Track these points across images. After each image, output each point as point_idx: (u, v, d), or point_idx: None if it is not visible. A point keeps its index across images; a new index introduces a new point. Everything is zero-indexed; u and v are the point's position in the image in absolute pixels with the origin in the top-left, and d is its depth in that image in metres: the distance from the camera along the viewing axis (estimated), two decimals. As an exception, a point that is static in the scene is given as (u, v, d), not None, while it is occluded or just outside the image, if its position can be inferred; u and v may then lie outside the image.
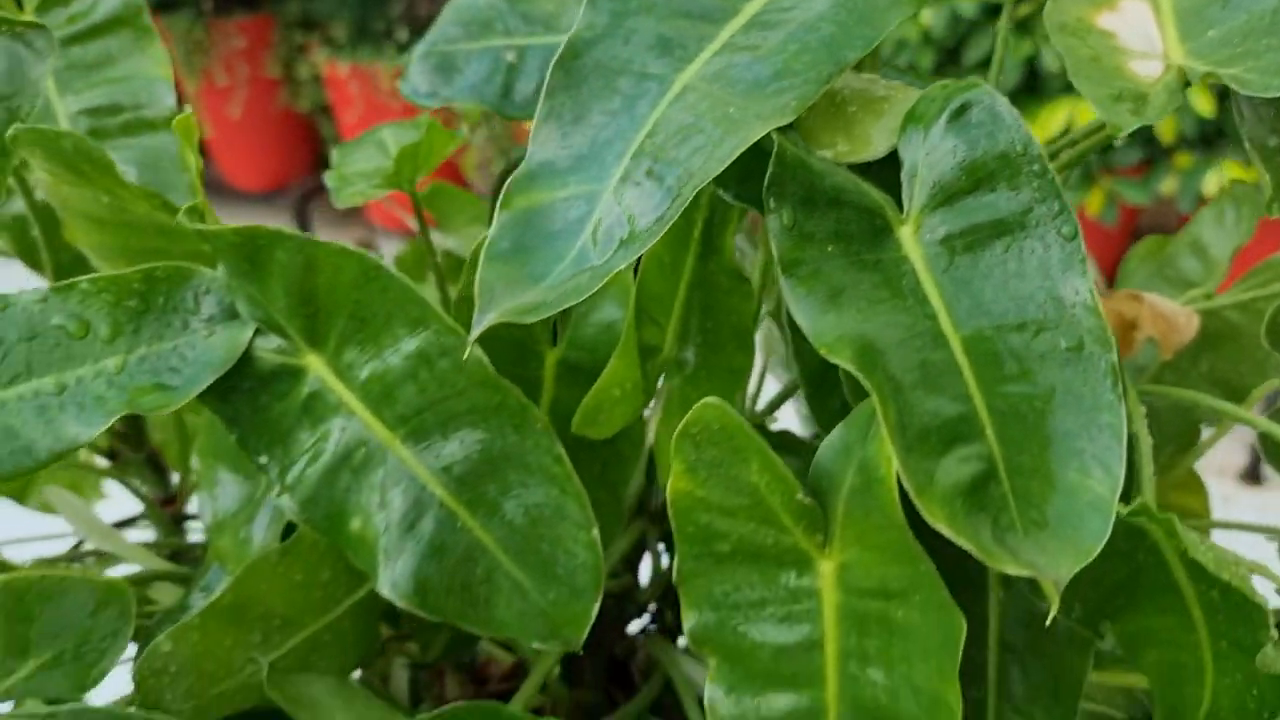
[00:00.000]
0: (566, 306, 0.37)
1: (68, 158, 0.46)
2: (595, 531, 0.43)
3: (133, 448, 0.71)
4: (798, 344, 0.46)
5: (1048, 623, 0.38)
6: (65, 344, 0.43)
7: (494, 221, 0.40)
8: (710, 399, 0.38)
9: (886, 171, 0.42)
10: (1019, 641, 0.45)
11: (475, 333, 0.37)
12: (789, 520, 0.40)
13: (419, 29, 2.20)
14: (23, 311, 0.43)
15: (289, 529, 0.50)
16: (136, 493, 0.68)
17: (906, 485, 0.35)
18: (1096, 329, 0.38)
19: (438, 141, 0.56)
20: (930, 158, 0.40)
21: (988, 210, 0.39)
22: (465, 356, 0.41)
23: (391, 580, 0.43)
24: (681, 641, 0.71)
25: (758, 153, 0.38)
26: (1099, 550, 0.35)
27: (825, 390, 0.46)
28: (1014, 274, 0.39)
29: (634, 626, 0.68)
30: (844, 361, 0.36)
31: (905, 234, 0.40)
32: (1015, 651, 0.45)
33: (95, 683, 0.35)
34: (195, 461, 0.54)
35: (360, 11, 2.24)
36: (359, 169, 0.60)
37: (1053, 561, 0.35)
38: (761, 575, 0.41)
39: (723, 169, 0.37)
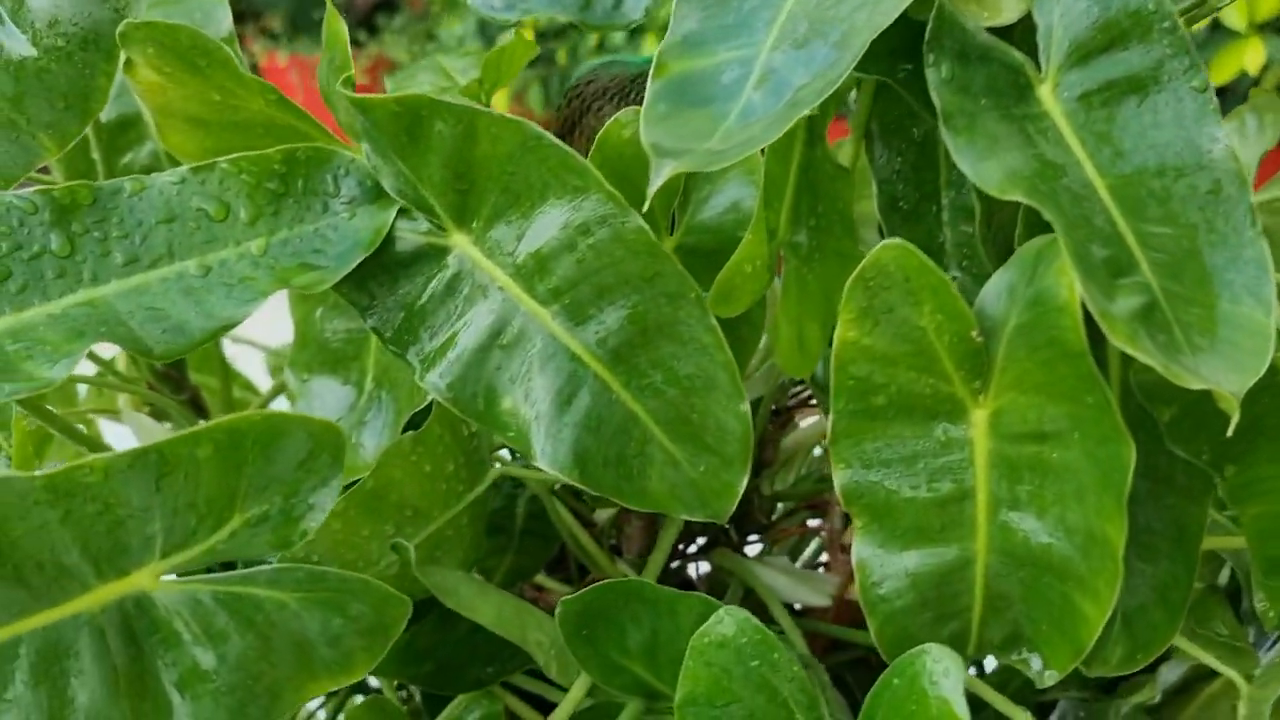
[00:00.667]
0: (743, 155, 0.38)
1: (182, 51, 0.46)
2: (745, 404, 0.44)
3: (174, 389, 0.69)
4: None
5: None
6: (206, 226, 0.42)
7: (648, 91, 0.40)
8: (892, 240, 0.39)
9: (1018, 36, 0.44)
10: (1142, 492, 0.47)
11: (653, 187, 0.38)
12: (950, 366, 0.41)
13: (358, 20, 2.18)
14: (160, 194, 0.42)
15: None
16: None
17: (1091, 307, 0.36)
18: (1233, 173, 0.40)
19: (519, 50, 0.56)
20: (1065, 19, 0.42)
21: (1122, 66, 0.41)
22: (627, 224, 0.42)
23: (550, 455, 0.43)
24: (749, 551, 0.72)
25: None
26: (1264, 369, 0.38)
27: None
28: (1150, 125, 0.41)
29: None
30: (1019, 196, 0.38)
31: (1045, 92, 0.42)
32: (1138, 502, 0.47)
33: (299, 540, 0.35)
34: (288, 375, 0.53)
35: (297, 2, 2.21)
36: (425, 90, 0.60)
37: (1226, 379, 0.37)
38: (914, 429, 0.43)
39: (890, 22, 0.39)
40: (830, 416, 0.43)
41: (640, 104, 0.59)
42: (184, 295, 0.41)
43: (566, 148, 0.42)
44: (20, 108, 0.47)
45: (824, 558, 0.81)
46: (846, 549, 0.67)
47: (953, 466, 0.43)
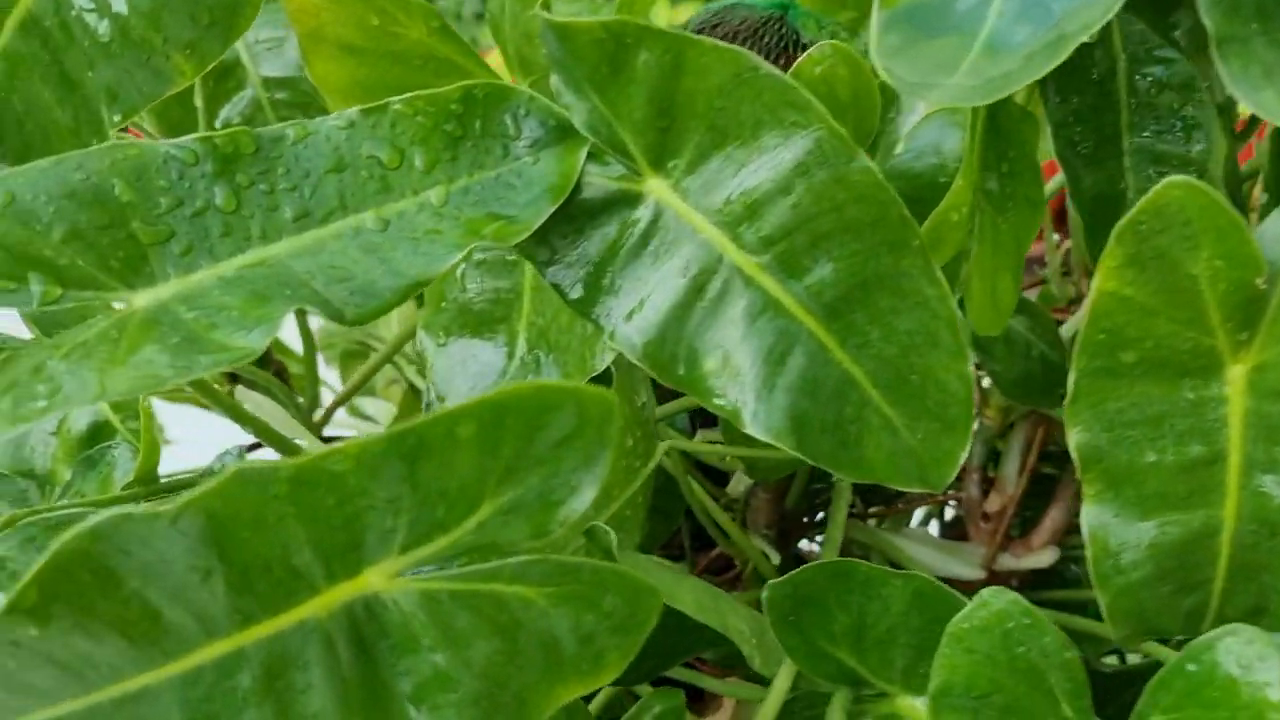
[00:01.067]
0: (1004, 92, 0.34)
1: None
2: (969, 364, 0.40)
3: (259, 362, 0.65)
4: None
5: None
6: (379, 175, 0.38)
7: (875, 22, 0.36)
8: (1176, 178, 0.35)
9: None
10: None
11: (909, 123, 0.34)
12: (1217, 317, 0.37)
13: None
14: (327, 140, 0.38)
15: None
16: (284, 405, 0.61)
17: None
18: None
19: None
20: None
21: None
22: (852, 165, 0.37)
23: (764, 420, 0.39)
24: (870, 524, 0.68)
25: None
26: None
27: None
28: None
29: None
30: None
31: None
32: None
33: (558, 528, 0.30)
34: (422, 338, 0.49)
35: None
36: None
37: None
38: (1163, 388, 0.39)
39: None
40: (1071, 375, 0.39)
41: (773, 48, 0.54)
42: (365, 252, 0.36)
43: (787, 79, 0.37)
44: (157, 24, 0.42)
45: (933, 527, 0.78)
46: (988, 517, 0.63)
47: (1205, 427, 0.39)
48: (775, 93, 0.37)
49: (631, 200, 0.40)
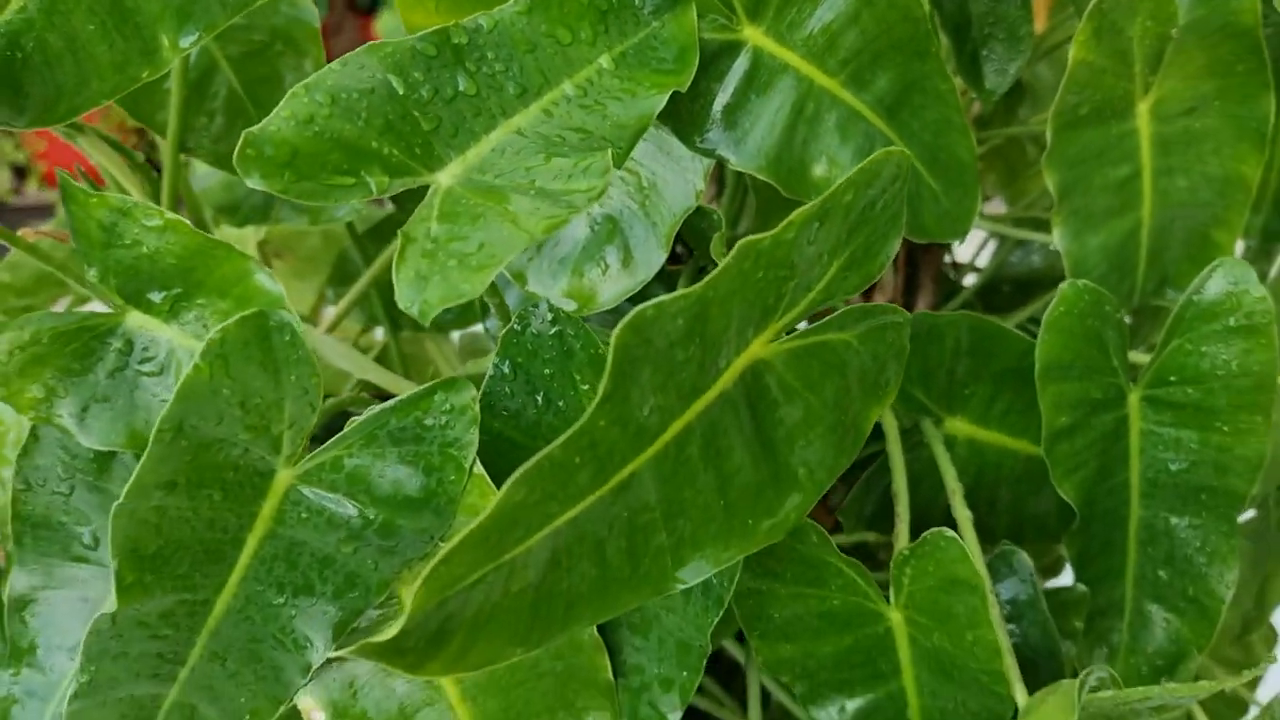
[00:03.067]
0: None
1: None
2: (973, 138, 0.53)
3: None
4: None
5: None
6: (560, 50, 0.43)
7: None
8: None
9: None
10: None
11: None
12: (1138, 66, 0.53)
13: None
14: (513, 25, 0.42)
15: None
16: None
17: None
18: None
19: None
20: None
21: None
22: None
23: (868, 205, 0.50)
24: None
25: None
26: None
27: None
28: None
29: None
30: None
31: None
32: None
33: (878, 274, 0.39)
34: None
35: None
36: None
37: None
38: (1102, 130, 0.54)
39: None
40: (1049, 132, 0.53)
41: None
42: (586, 112, 0.42)
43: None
44: None
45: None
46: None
47: (1128, 152, 0.55)
48: (841, -60, 0.47)
49: (735, 48, 0.48)
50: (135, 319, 0.48)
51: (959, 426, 0.56)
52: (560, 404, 0.41)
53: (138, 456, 0.48)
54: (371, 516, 0.38)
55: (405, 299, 0.32)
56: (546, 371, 0.41)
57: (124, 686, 0.39)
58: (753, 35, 0.48)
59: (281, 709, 0.41)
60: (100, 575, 0.48)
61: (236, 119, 0.58)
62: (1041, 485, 0.56)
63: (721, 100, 0.48)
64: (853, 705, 0.47)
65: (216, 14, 0.45)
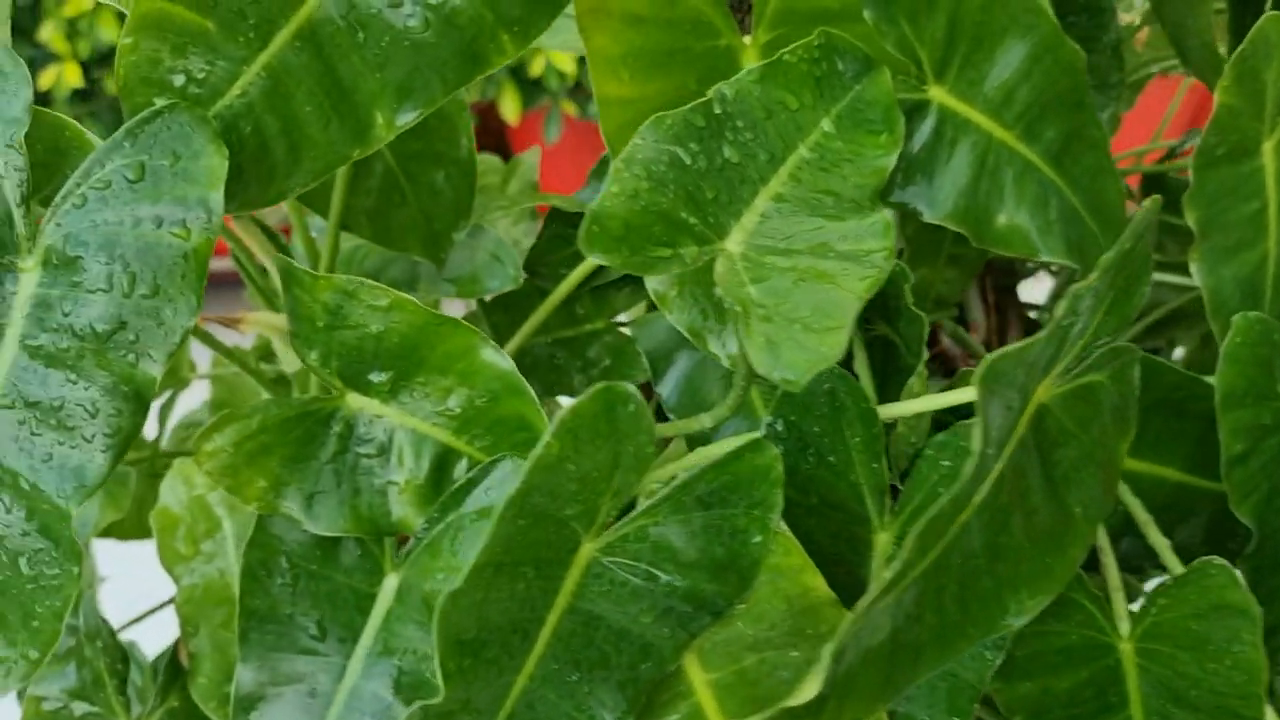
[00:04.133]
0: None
1: None
2: (1120, 180, 0.56)
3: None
4: None
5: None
6: (789, 115, 0.45)
7: None
8: (1272, 13, 0.53)
9: None
10: None
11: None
12: (1271, 107, 0.56)
13: None
14: (750, 93, 0.44)
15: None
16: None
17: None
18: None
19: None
20: None
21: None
22: (1063, 47, 0.51)
23: (1050, 246, 0.52)
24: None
25: None
26: None
27: None
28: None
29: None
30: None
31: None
32: None
33: (1134, 312, 0.41)
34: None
35: None
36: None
37: None
38: (1236, 167, 0.58)
39: None
40: (1192, 168, 0.56)
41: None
42: (826, 175, 0.44)
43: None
44: (493, 1, 0.43)
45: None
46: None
47: (1258, 187, 0.59)
48: (1016, 4, 0.50)
49: (923, 107, 0.50)
50: (355, 400, 0.48)
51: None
52: (831, 459, 0.42)
53: (360, 541, 0.48)
54: (676, 585, 0.39)
55: (764, 365, 0.33)
56: (817, 429, 0.42)
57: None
58: (938, 94, 0.50)
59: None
60: (326, 668, 0.47)
61: (391, 194, 0.58)
62: (1189, 513, 0.58)
63: (916, 156, 0.50)
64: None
65: (436, 90, 0.46)
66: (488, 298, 0.65)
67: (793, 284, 0.36)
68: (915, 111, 0.50)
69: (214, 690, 0.54)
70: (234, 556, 0.56)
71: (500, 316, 0.68)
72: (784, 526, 0.40)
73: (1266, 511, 0.55)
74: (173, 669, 0.55)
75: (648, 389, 0.68)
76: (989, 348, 0.74)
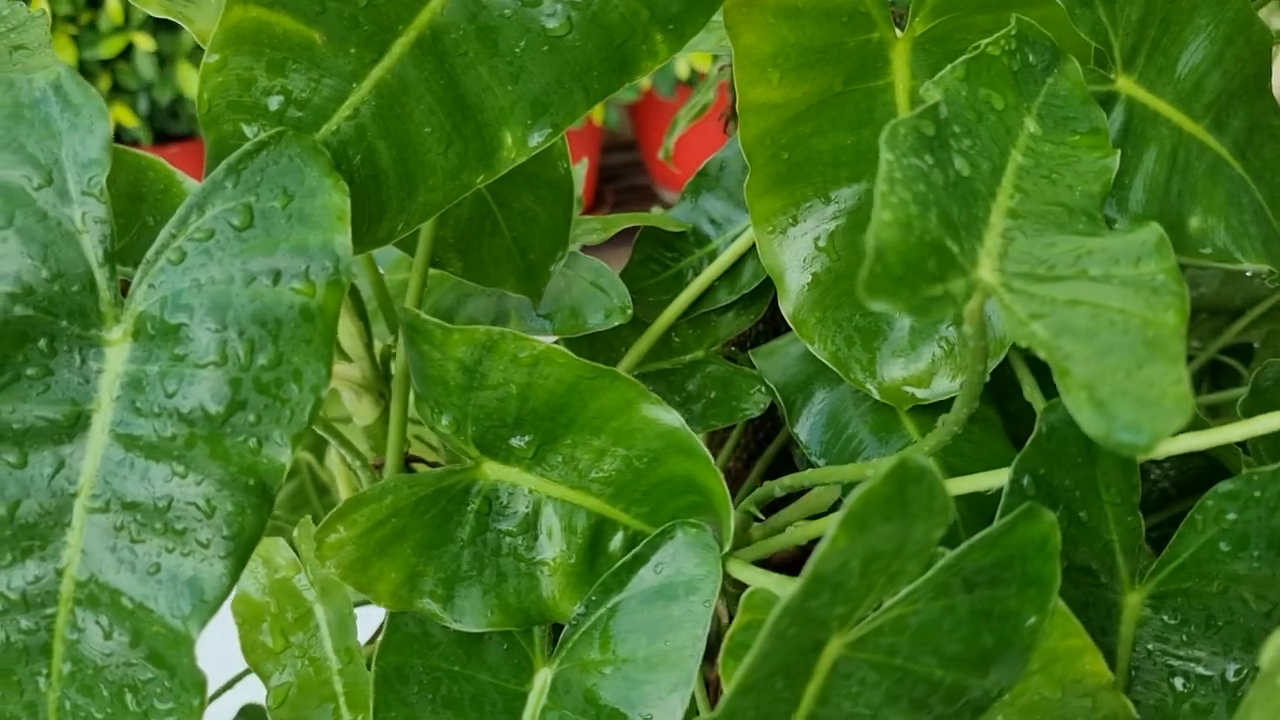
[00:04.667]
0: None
1: None
2: None
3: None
4: None
5: None
6: (999, 117, 0.39)
7: None
8: None
9: None
10: None
11: None
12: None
13: None
14: (958, 93, 0.38)
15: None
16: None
17: None
18: None
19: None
20: None
21: None
22: (1254, 27, 0.46)
23: (1244, 249, 0.46)
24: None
25: None
26: None
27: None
28: None
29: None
30: None
31: None
32: None
33: None
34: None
35: None
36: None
37: None
38: None
39: None
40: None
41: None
42: (1049, 184, 0.38)
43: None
44: None
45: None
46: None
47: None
48: (1212, -21, 0.44)
49: (1110, 100, 0.44)
50: (493, 470, 0.41)
51: None
52: (1082, 515, 0.36)
53: (506, 634, 0.41)
54: (937, 680, 0.33)
55: (1096, 427, 0.27)
56: (1068, 482, 0.36)
57: None
58: (1125, 85, 0.45)
59: None
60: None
61: (483, 223, 0.51)
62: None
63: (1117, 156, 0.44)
64: None
65: (578, 103, 0.39)
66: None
67: (1090, 320, 0.30)
68: (1102, 105, 0.44)
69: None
70: (330, 647, 0.48)
71: (583, 350, 0.61)
72: (1062, 604, 0.34)
73: None
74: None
75: (771, 423, 0.62)
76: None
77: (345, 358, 0.56)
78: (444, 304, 0.57)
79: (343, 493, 0.58)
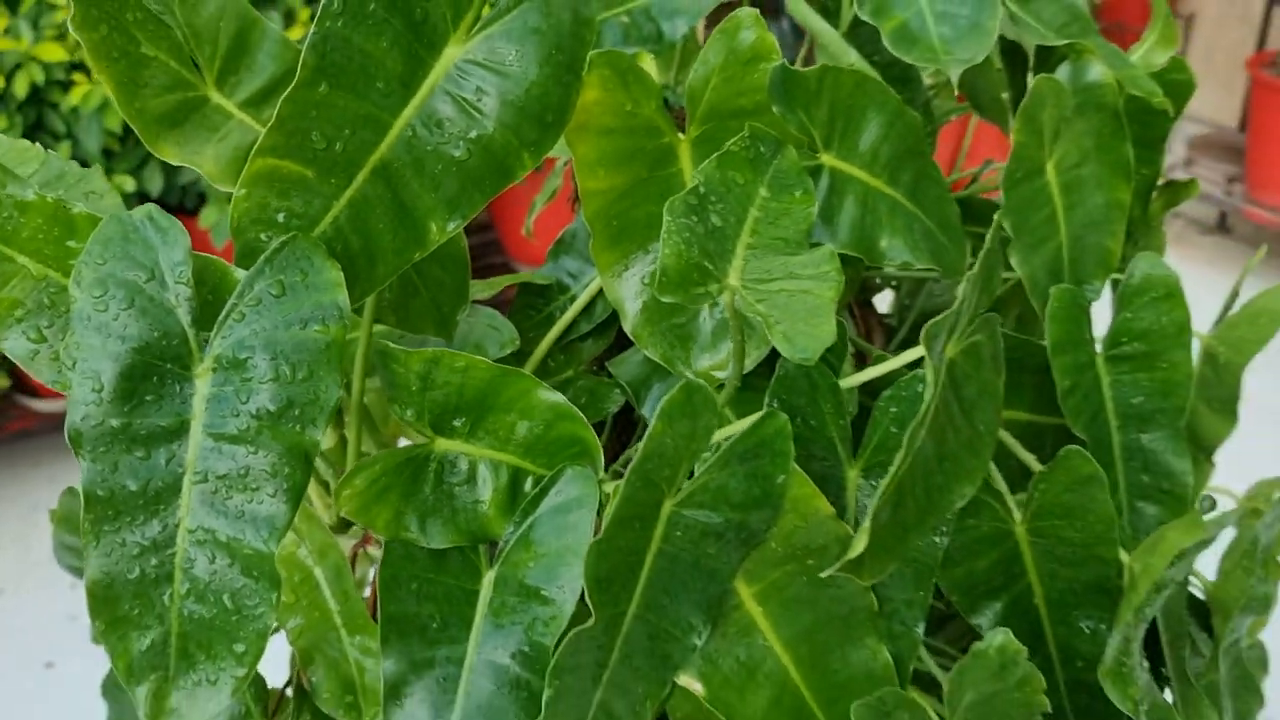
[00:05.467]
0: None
1: (623, 72, 0.63)
2: (956, 206, 0.77)
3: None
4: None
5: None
6: (740, 188, 0.63)
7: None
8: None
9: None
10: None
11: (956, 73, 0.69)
12: (1046, 138, 0.78)
13: None
14: (714, 175, 0.62)
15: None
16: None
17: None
18: None
19: None
20: None
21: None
22: (907, 115, 0.72)
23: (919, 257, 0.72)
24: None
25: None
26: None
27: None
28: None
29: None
30: None
31: None
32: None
33: (993, 297, 0.61)
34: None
35: None
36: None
37: None
38: (1029, 186, 0.80)
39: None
40: (1003, 191, 0.78)
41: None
42: (773, 227, 0.62)
43: (874, 76, 0.70)
44: (518, 131, 0.59)
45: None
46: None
47: (1047, 198, 0.81)
48: (873, 86, 0.70)
49: (818, 170, 0.69)
50: (442, 444, 0.63)
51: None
52: (812, 421, 0.60)
53: (461, 550, 0.63)
54: (729, 520, 0.55)
55: (788, 350, 0.50)
56: (801, 401, 0.60)
57: (574, 694, 0.54)
58: (827, 159, 0.70)
59: (667, 690, 0.57)
60: (451, 651, 0.61)
61: (408, 288, 0.73)
62: (1039, 444, 0.79)
63: (816, 206, 0.69)
64: (998, 605, 0.68)
65: (478, 201, 0.61)
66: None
67: (787, 300, 0.53)
68: (813, 174, 0.69)
69: (337, 701, 0.66)
70: (329, 593, 0.68)
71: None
72: (797, 468, 0.57)
73: (1092, 425, 0.76)
74: (300, 691, 0.67)
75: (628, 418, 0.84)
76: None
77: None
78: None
79: (314, 499, 0.78)
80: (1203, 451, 0.87)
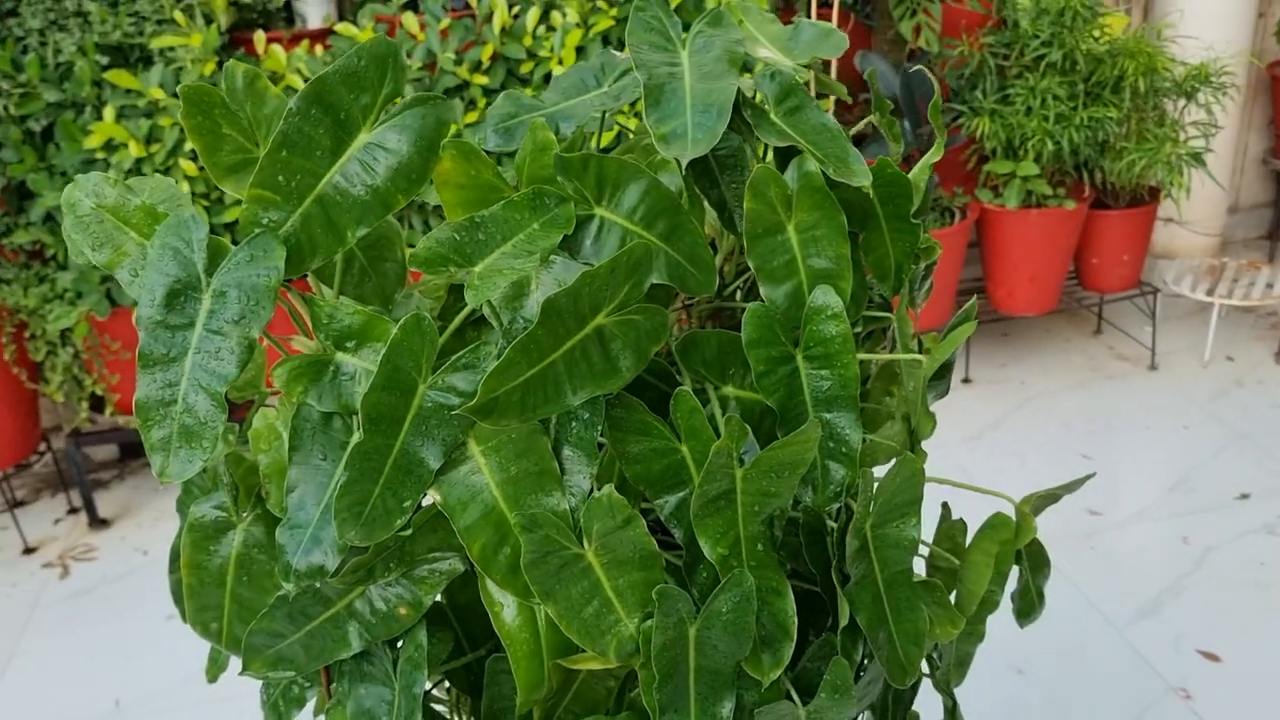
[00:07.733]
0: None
1: (466, 153, 1.12)
2: (709, 248, 1.20)
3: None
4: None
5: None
6: (516, 222, 1.10)
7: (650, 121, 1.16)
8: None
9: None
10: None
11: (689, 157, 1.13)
12: (780, 206, 1.20)
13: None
14: (496, 213, 1.09)
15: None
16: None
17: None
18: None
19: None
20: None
21: (794, 102, 1.24)
22: (661, 186, 1.16)
23: (675, 283, 1.15)
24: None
25: None
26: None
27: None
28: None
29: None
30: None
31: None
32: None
33: (641, 294, 1.05)
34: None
35: None
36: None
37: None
38: (771, 240, 1.21)
39: (733, 98, 1.18)
40: (745, 241, 1.20)
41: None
42: (529, 242, 1.08)
43: (626, 161, 1.15)
44: (397, 184, 1.09)
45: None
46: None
47: (787, 249, 1.22)
48: (629, 166, 1.15)
49: (591, 219, 1.14)
50: (339, 356, 1.12)
51: (727, 391, 1.20)
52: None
53: (342, 417, 1.12)
54: (455, 401, 1.01)
55: (472, 298, 0.96)
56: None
57: (360, 485, 1.01)
58: (600, 211, 1.15)
59: (421, 494, 1.03)
60: (330, 468, 1.10)
61: (364, 276, 1.24)
62: (763, 417, 1.19)
63: (589, 241, 1.14)
64: (673, 498, 1.09)
65: (373, 220, 1.11)
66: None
67: (498, 275, 0.99)
68: (589, 220, 1.15)
69: (278, 505, 1.16)
70: (285, 445, 1.19)
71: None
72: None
73: (786, 405, 1.17)
74: (259, 499, 1.18)
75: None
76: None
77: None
78: (357, 318, 1.30)
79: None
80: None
